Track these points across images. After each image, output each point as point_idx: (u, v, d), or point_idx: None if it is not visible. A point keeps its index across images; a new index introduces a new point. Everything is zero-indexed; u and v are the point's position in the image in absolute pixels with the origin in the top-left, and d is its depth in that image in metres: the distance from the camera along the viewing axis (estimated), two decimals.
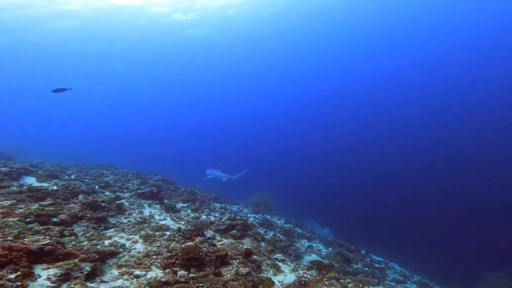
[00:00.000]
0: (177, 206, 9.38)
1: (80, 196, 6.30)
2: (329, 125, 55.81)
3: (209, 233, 6.98)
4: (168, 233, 6.30)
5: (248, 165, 15.26)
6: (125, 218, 6.72)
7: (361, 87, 55.04)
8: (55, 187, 7.36)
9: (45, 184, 8.08)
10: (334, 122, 55.56)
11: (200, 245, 4.83)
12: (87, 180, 9.92)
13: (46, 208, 5.50)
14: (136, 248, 5.18)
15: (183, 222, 7.56)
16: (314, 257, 10.69)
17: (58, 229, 4.80)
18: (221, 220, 7.55)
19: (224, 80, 62.42)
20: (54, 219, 5.17)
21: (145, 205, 8.61)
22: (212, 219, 8.69)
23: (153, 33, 35.92)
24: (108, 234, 5.49)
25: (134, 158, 38.64)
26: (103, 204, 6.79)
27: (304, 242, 12.28)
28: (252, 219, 12.71)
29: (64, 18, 29.64)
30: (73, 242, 4.70)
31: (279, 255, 7.32)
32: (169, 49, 43.66)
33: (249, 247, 6.49)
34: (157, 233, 6.16)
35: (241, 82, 64.02)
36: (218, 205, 12.62)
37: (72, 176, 9.92)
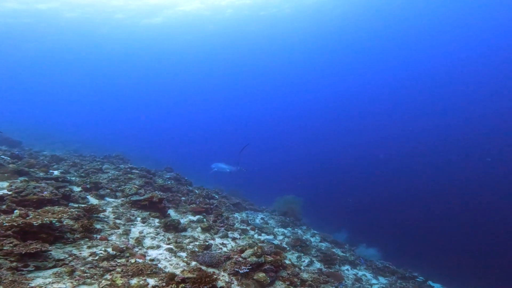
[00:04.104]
0: (182, 221, 6.79)
1: (16, 211, 3.93)
2: (359, 128, 51.77)
3: (222, 279, 4.31)
4: (152, 281, 3.69)
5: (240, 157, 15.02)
6: (89, 247, 4.20)
7: (380, 90, 50.84)
8: (5, 191, 5.07)
9: (3, 184, 5.87)
10: (363, 126, 51.53)
11: None
12: (73, 178, 7.67)
13: None
14: None
15: (184, 254, 4.92)
16: None
17: None
18: (243, 255, 4.83)
19: (248, 84, 61.34)
20: None
21: (138, 219, 6.12)
22: (229, 247, 6.00)
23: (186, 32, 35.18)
24: (33, 284, 2.97)
25: (163, 151, 37.67)
26: (62, 222, 4.36)
27: (348, 269, 9.42)
28: (281, 237, 9.89)
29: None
30: None
31: None
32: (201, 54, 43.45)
33: None
34: (132, 282, 3.57)
35: (262, 86, 62.53)
36: (238, 217, 9.91)
37: (56, 172, 7.72)
